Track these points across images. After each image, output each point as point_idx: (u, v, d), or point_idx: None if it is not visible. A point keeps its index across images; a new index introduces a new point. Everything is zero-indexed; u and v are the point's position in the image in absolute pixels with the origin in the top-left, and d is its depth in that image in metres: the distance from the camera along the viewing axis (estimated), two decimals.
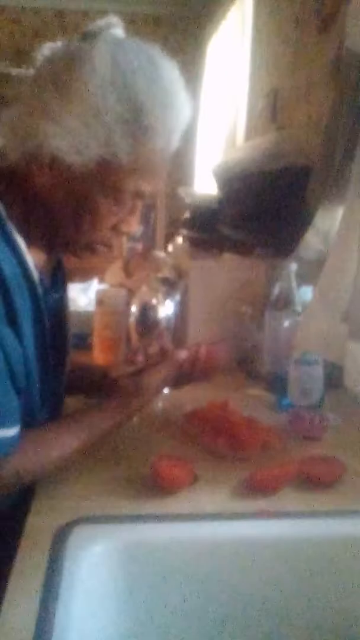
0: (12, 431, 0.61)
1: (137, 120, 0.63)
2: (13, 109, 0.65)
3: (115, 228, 0.70)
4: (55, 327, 0.74)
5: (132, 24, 3.42)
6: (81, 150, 0.63)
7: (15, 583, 0.51)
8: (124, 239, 3.00)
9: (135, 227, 0.71)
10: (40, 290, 0.68)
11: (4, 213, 0.66)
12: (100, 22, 0.66)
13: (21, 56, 3.38)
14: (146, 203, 0.73)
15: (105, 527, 0.60)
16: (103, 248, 0.72)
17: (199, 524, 0.63)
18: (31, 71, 0.67)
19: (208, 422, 0.82)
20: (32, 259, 0.68)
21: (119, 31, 0.67)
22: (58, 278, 0.78)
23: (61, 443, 0.66)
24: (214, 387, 0.98)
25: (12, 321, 0.63)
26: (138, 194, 0.68)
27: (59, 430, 0.68)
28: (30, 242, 0.68)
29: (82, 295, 1.54)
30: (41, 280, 0.69)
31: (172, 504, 0.66)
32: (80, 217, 0.67)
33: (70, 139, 0.62)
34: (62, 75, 0.63)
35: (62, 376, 0.79)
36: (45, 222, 0.69)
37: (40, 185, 0.66)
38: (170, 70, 0.66)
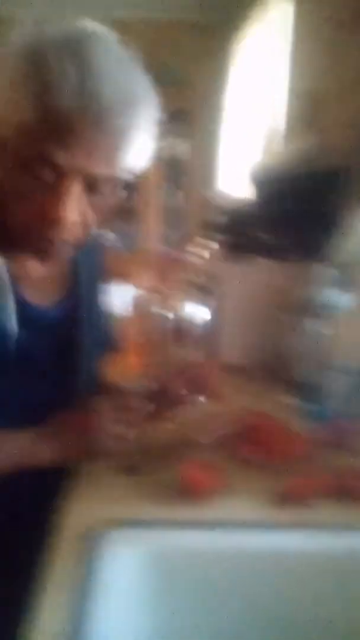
0: None
1: (36, 72, 0.58)
2: None
3: (42, 214, 0.62)
4: (57, 340, 0.73)
5: (167, 30, 3.44)
6: None
7: (47, 585, 0.52)
8: (151, 245, 2.96)
9: (61, 211, 0.61)
10: (10, 305, 0.67)
11: None
12: None
13: None
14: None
15: (136, 532, 0.60)
16: (47, 244, 0.65)
17: (232, 533, 0.62)
18: None
19: (242, 430, 0.81)
20: (12, 268, 0.67)
21: None
22: (71, 290, 0.77)
23: None
24: (248, 394, 0.97)
25: None
26: (49, 162, 0.60)
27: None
28: (7, 254, 0.67)
29: (113, 298, 1.55)
30: (20, 294, 0.68)
31: (203, 512, 0.65)
32: (4, 198, 0.63)
33: None
34: None
35: (74, 385, 0.79)
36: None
37: None
38: (94, 36, 0.61)
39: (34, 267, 0.72)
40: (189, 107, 3.36)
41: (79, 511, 0.64)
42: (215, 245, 1.61)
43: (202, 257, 1.67)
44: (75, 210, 0.62)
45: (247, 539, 0.61)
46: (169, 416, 0.81)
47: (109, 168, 0.62)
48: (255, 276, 1.23)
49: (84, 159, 0.60)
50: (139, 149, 0.65)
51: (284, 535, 0.62)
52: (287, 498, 0.68)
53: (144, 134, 0.64)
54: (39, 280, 0.73)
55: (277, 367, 1.09)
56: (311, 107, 1.81)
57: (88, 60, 0.59)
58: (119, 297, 1.56)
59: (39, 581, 0.52)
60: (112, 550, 0.56)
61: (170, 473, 0.71)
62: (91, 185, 0.62)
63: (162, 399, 0.83)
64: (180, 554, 0.60)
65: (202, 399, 0.88)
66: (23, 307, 0.69)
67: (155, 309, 1.20)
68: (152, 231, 3.50)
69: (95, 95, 0.58)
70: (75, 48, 0.59)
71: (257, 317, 1.18)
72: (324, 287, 1.01)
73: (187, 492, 0.67)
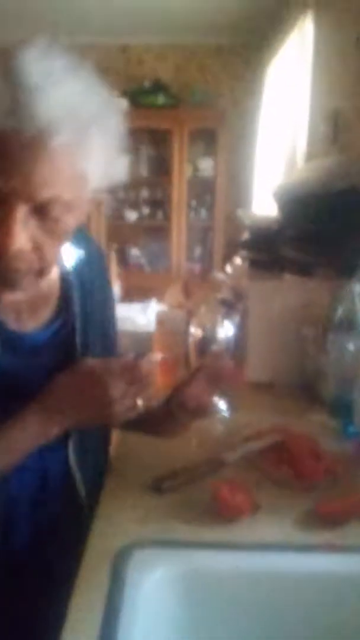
0: None
1: None
2: None
3: None
4: (49, 364, 0.69)
5: (193, 54, 3.51)
6: None
7: (76, 604, 0.51)
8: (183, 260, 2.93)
9: (5, 239, 0.56)
10: None
11: None
12: None
13: None
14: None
15: (165, 552, 0.59)
16: (2, 274, 0.61)
17: (261, 554, 0.60)
18: None
19: (270, 448, 0.80)
20: None
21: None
22: (62, 311, 0.72)
23: None
24: (275, 411, 0.96)
25: None
26: None
27: None
28: None
29: (141, 315, 1.56)
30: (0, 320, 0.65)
31: (232, 532, 0.64)
32: None
33: None
34: None
35: None
36: None
37: None
38: (29, 50, 0.56)
39: (9, 294, 0.67)
40: (214, 127, 3.42)
41: (108, 531, 0.64)
42: (240, 262, 1.61)
43: (227, 274, 1.67)
44: (22, 237, 0.57)
45: (276, 559, 0.60)
46: (193, 425, 0.79)
47: (55, 191, 0.57)
48: (281, 292, 1.22)
49: (22, 183, 0.55)
50: (94, 168, 0.59)
51: (314, 557, 0.60)
52: (317, 518, 0.66)
53: (99, 152, 0.59)
54: (20, 305, 0.68)
55: (305, 384, 1.08)
56: (335, 125, 1.81)
57: (20, 75, 0.54)
58: (145, 314, 1.57)
59: (68, 599, 0.52)
60: (141, 570, 0.56)
61: (198, 493, 0.71)
62: (39, 210, 0.57)
63: (184, 406, 0.79)
64: (209, 574, 0.59)
65: (223, 396, 0.85)
66: (4, 333, 0.66)
67: (180, 326, 1.20)
68: (177, 248, 3.53)
69: (29, 113, 0.54)
70: (5, 63, 0.55)
71: (283, 334, 1.17)
72: (351, 303, 1.00)
73: (218, 513, 0.66)
